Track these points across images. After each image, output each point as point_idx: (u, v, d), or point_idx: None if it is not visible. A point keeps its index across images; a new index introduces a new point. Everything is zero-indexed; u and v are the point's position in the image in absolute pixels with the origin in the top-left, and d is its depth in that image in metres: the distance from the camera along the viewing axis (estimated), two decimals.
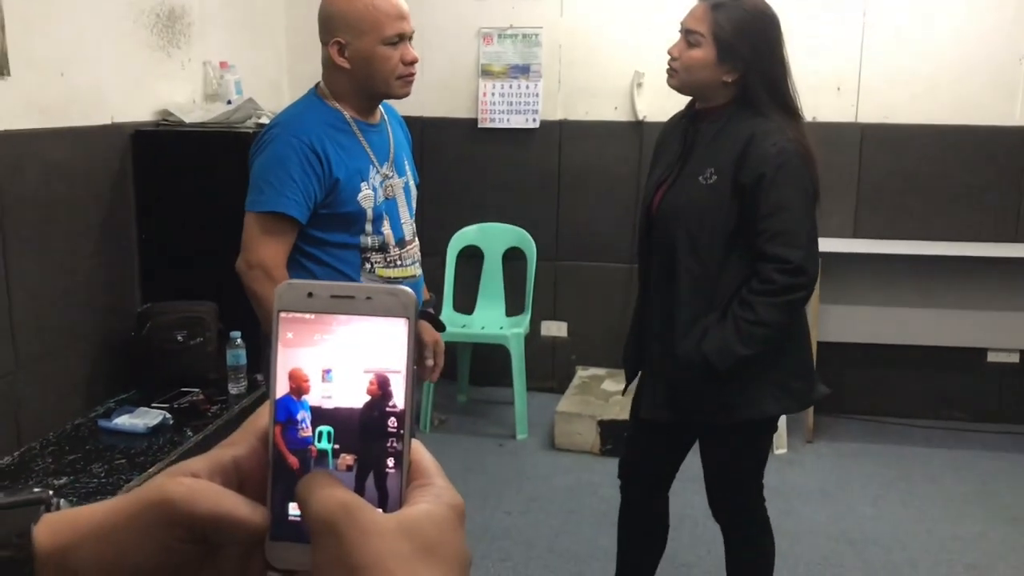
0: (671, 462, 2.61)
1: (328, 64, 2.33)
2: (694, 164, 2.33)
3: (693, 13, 2.32)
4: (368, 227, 2.33)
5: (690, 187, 2.31)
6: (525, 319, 4.69)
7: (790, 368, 2.39)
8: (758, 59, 2.26)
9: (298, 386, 0.51)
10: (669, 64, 2.37)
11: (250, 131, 3.57)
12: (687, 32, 2.31)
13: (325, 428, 0.51)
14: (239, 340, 3.26)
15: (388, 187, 2.38)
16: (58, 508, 0.51)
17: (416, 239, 2.51)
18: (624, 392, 2.80)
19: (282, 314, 0.52)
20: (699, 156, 2.32)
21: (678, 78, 2.35)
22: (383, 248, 2.37)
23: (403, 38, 2.29)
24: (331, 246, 2.33)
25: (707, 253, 2.29)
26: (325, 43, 2.31)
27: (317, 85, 2.39)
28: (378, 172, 2.36)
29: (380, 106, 2.45)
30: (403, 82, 2.32)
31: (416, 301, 0.52)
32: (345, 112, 2.34)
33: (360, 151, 2.33)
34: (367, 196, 2.32)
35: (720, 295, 2.29)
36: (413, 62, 2.31)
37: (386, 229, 2.37)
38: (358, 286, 0.52)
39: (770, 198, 2.21)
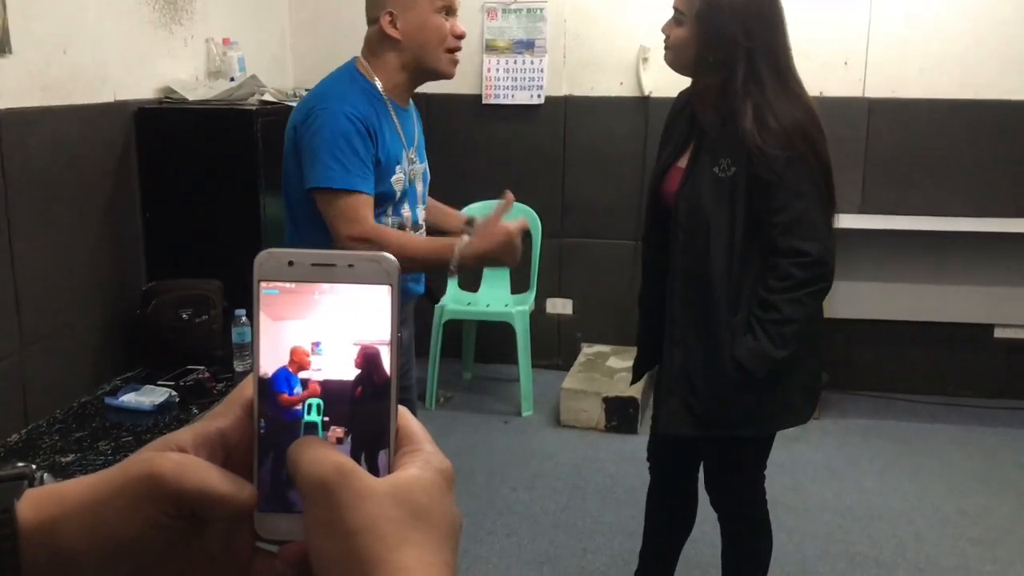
0: (695, 446, 2.52)
1: (377, 38, 2.29)
2: (707, 153, 2.22)
3: None
4: (390, 209, 2.32)
5: (709, 181, 2.20)
6: (530, 296, 4.69)
7: (813, 368, 2.32)
8: (748, 37, 2.14)
9: (299, 361, 0.51)
10: (664, 42, 2.32)
11: (253, 108, 3.55)
12: (674, 10, 2.26)
13: (315, 400, 0.51)
14: (244, 318, 3.26)
15: (412, 172, 2.38)
16: (41, 483, 0.50)
17: (425, 224, 2.50)
18: (632, 384, 2.75)
19: (263, 283, 0.51)
20: (711, 144, 2.21)
21: (669, 57, 2.31)
22: (401, 229, 2.36)
23: (451, 11, 2.29)
24: None
25: (741, 252, 2.19)
26: (374, 19, 2.28)
27: (356, 59, 2.34)
28: (406, 156, 2.35)
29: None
30: (450, 58, 2.30)
31: (398, 267, 0.51)
32: (384, 93, 2.31)
33: (395, 134, 2.31)
34: (399, 179, 2.31)
35: (744, 294, 2.20)
36: (462, 36, 2.31)
37: (405, 211, 2.37)
38: (339, 253, 0.51)
39: (782, 188, 2.12)
